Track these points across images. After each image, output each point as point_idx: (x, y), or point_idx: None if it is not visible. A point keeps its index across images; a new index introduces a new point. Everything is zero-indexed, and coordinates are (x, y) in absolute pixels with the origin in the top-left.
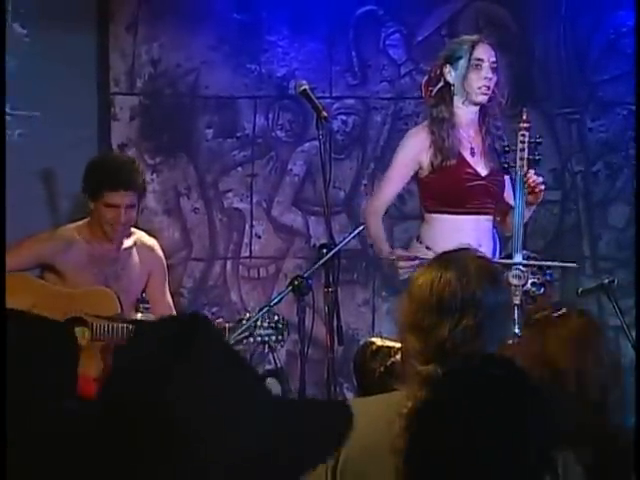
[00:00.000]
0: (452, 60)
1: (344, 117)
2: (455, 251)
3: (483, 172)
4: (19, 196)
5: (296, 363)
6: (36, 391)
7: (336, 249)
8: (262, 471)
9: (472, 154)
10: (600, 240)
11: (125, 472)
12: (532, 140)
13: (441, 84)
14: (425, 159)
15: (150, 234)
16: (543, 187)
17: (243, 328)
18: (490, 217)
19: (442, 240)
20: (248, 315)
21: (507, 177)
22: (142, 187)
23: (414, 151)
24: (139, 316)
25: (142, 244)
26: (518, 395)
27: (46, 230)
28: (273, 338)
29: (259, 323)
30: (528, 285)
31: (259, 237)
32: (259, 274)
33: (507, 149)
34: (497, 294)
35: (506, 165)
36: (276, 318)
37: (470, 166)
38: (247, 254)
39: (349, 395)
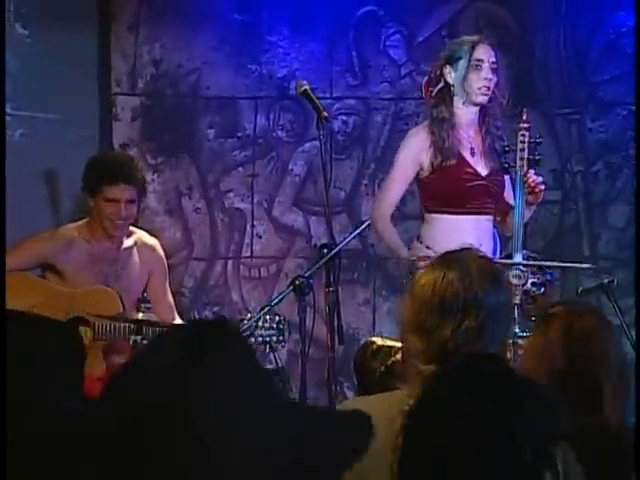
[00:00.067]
0: (452, 61)
1: (345, 117)
2: (457, 251)
3: (483, 172)
4: (20, 196)
5: (297, 362)
6: (44, 391)
7: (337, 249)
8: (277, 478)
9: (472, 154)
10: (600, 240)
11: (139, 474)
12: (532, 140)
13: (441, 84)
14: (425, 159)
15: (151, 234)
16: (543, 187)
17: (244, 328)
18: (490, 217)
19: (442, 240)
20: (249, 315)
21: (507, 177)
22: (141, 183)
23: (414, 152)
24: (140, 316)
25: (143, 244)
26: (512, 392)
27: (47, 230)
28: (274, 338)
29: (260, 323)
30: (528, 285)
31: (260, 237)
32: (260, 274)
33: (507, 149)
34: (499, 294)
35: (506, 165)
36: (277, 318)
37: (470, 166)
38: (248, 254)
39: (349, 394)
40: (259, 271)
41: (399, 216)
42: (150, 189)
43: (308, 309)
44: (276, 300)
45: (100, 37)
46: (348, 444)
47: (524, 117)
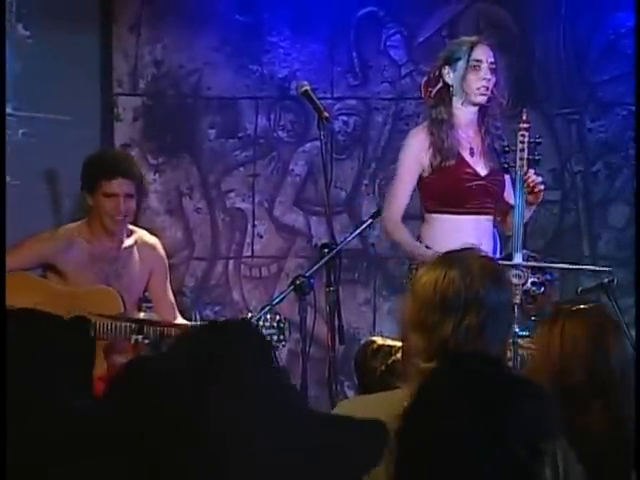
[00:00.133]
0: (451, 61)
1: (345, 118)
2: (459, 251)
3: (483, 172)
4: (22, 196)
5: (298, 362)
6: (56, 390)
7: (337, 249)
8: None
9: (471, 154)
10: (599, 240)
11: (154, 474)
12: (532, 140)
13: (440, 85)
14: (425, 160)
15: (152, 233)
16: (542, 187)
17: None
18: (490, 217)
19: (442, 240)
20: (250, 314)
21: (507, 177)
22: (139, 178)
23: (415, 152)
24: (142, 315)
25: (143, 243)
26: (505, 390)
27: (48, 230)
28: (275, 337)
29: (261, 322)
30: (528, 284)
31: (261, 237)
32: (261, 273)
33: (507, 149)
34: (500, 293)
35: (506, 165)
36: (278, 317)
37: (469, 166)
38: (249, 254)
39: (350, 393)
40: (260, 271)
41: None
42: (151, 189)
43: (309, 309)
44: (277, 300)
45: (102, 38)
46: (365, 451)
47: (524, 117)
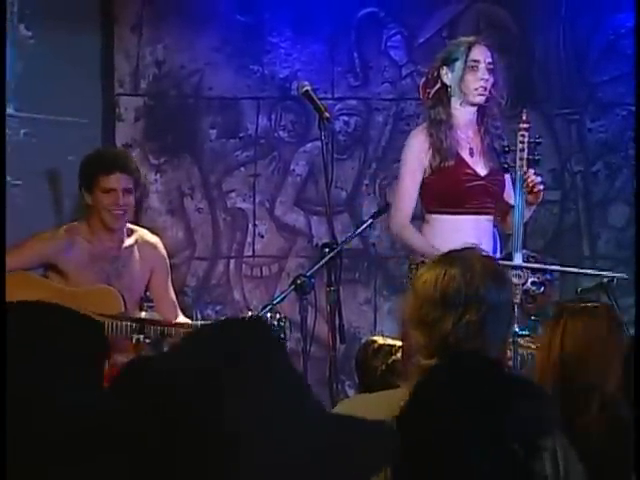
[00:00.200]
0: (449, 62)
1: (346, 118)
2: (460, 250)
3: (482, 172)
4: (24, 195)
5: (298, 361)
6: (66, 388)
7: (338, 248)
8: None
9: (471, 154)
10: (599, 239)
11: (167, 474)
12: (532, 140)
13: (438, 86)
14: (425, 160)
15: (153, 233)
16: (542, 187)
17: None
18: (490, 217)
19: (442, 240)
20: (251, 314)
21: (507, 176)
22: (137, 174)
23: (416, 153)
24: (143, 314)
25: (144, 242)
26: (500, 388)
27: (49, 230)
28: None
29: None
30: (528, 284)
31: (262, 236)
32: (262, 273)
33: (507, 149)
34: (500, 292)
35: (506, 165)
36: (278, 317)
37: (469, 166)
38: (250, 253)
39: (351, 393)
40: (261, 270)
41: None
42: (153, 189)
43: (309, 308)
44: (278, 299)
45: (103, 38)
46: (376, 451)
47: (524, 117)
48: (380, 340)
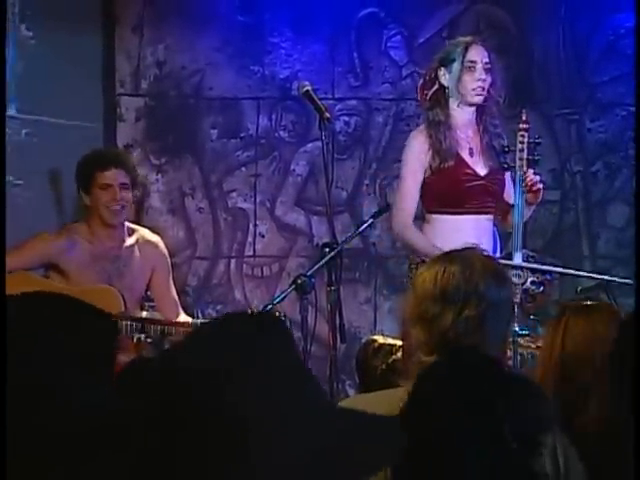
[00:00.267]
0: (446, 63)
1: (346, 118)
2: (461, 249)
3: (482, 172)
4: (25, 195)
5: None
6: (77, 385)
7: (338, 248)
8: (310, 476)
9: (471, 154)
10: (599, 239)
11: (175, 469)
12: (531, 141)
13: (436, 87)
14: (425, 161)
15: (154, 232)
16: (541, 186)
17: None
18: (490, 216)
19: (443, 240)
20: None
21: (508, 175)
22: (133, 170)
23: (416, 154)
24: (144, 314)
25: (145, 241)
26: (498, 384)
27: (50, 230)
28: None
29: None
30: (528, 284)
31: (262, 236)
32: (262, 273)
33: (506, 149)
34: (500, 290)
35: (505, 165)
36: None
37: (469, 166)
38: (251, 253)
39: (351, 392)
40: (262, 270)
41: None
42: (154, 189)
43: (310, 308)
44: (278, 299)
45: (104, 38)
46: (385, 446)
47: (523, 118)
48: (380, 339)
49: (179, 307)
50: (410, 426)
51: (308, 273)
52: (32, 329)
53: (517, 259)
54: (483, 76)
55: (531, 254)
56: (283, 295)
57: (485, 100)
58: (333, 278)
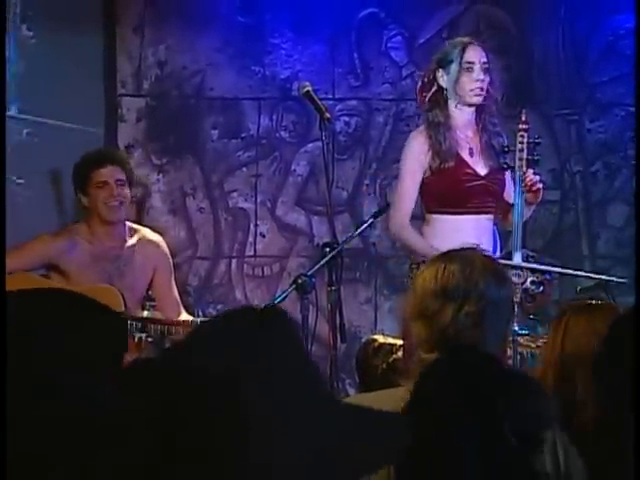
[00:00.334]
0: (444, 64)
1: (347, 118)
2: (461, 249)
3: (482, 172)
4: (27, 194)
5: None
6: (85, 383)
7: (339, 248)
8: (314, 473)
9: (471, 154)
10: (599, 239)
11: (184, 464)
12: (531, 141)
13: (434, 89)
14: (425, 162)
15: (156, 232)
16: (540, 186)
17: None
18: (490, 216)
19: (443, 240)
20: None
21: (508, 174)
22: (129, 167)
23: (415, 154)
24: (145, 314)
25: (146, 241)
26: (498, 381)
27: (51, 230)
28: None
29: None
30: (527, 283)
31: (263, 236)
32: (263, 273)
33: (506, 149)
34: (500, 288)
35: (505, 165)
36: None
37: (469, 167)
38: (252, 253)
39: (351, 391)
40: (262, 270)
41: None
42: (155, 189)
43: (310, 307)
44: (279, 298)
45: (105, 39)
46: (389, 443)
47: (523, 118)
48: (381, 339)
49: (181, 307)
50: (412, 424)
51: (308, 273)
52: (45, 326)
53: (517, 259)
54: (481, 76)
55: (531, 254)
56: (284, 295)
57: (484, 100)
58: (333, 278)
